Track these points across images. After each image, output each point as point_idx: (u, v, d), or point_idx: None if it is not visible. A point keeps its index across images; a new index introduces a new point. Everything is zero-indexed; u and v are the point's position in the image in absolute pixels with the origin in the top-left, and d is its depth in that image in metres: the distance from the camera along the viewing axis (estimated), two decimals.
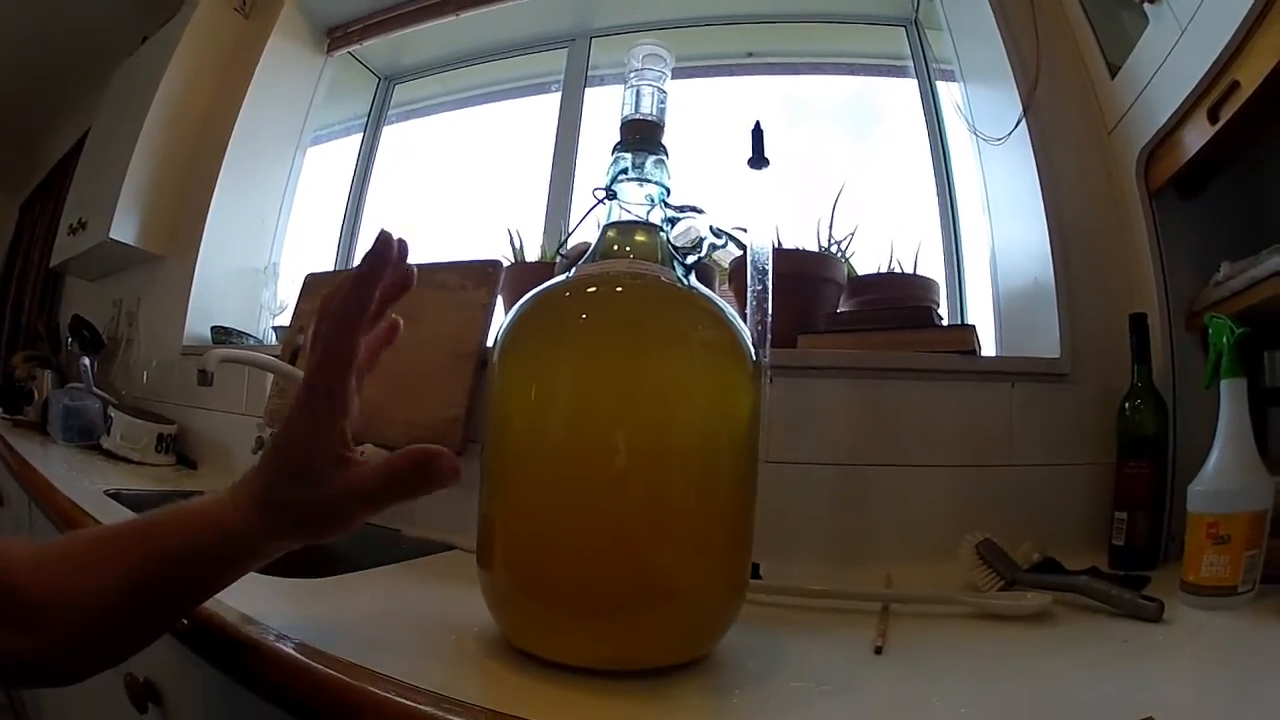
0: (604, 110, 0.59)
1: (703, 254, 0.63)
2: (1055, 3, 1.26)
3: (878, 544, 0.99)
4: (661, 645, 0.54)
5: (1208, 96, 0.93)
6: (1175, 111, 0.98)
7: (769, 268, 0.94)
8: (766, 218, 0.99)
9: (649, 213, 0.63)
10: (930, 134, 1.64)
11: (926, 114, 1.66)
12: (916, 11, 1.72)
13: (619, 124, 0.66)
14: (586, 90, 2.04)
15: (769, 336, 0.94)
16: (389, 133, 2.49)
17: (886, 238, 1.39)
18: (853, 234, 1.38)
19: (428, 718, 0.45)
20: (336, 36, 2.42)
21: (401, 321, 0.62)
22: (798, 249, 1.34)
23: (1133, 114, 1.10)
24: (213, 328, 2.05)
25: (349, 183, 2.43)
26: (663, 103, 0.66)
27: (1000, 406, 1.05)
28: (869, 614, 0.75)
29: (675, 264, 0.62)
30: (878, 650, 0.64)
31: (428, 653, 0.58)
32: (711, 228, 0.64)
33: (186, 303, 2.13)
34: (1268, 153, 1.00)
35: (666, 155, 0.65)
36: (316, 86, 2.46)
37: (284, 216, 2.41)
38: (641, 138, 0.64)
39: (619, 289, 0.58)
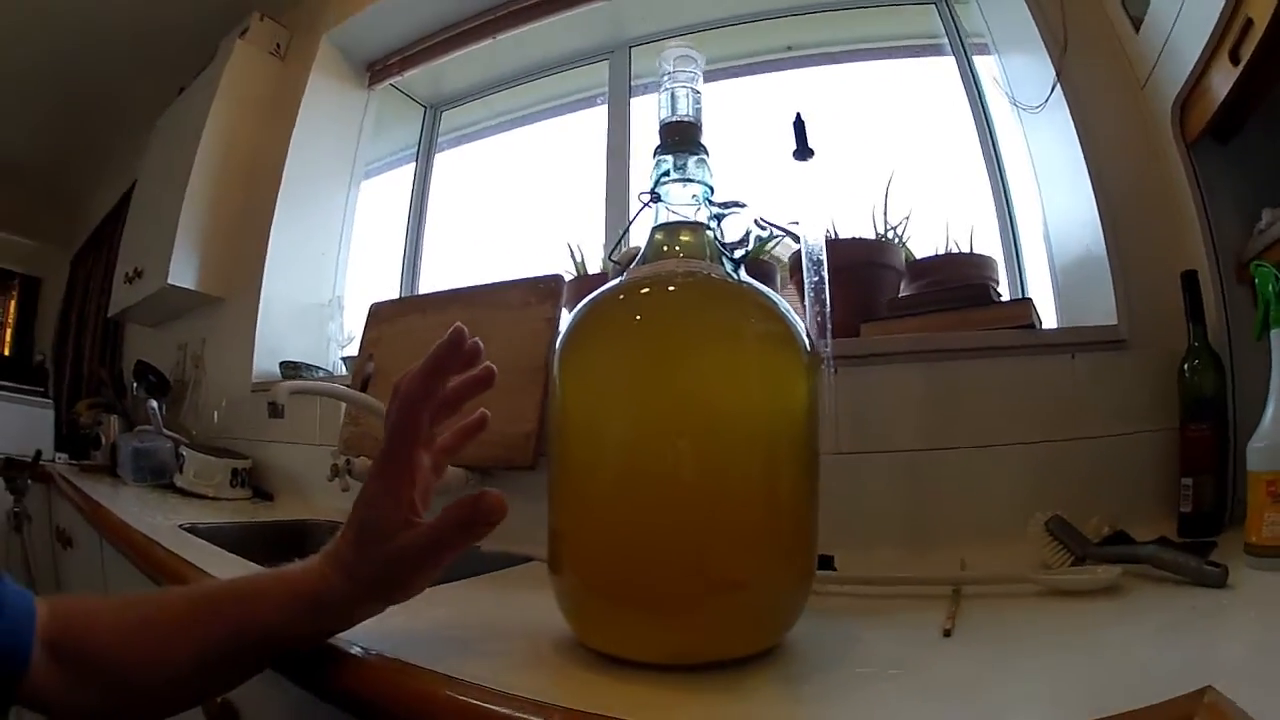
0: (651, 117, 0.64)
1: (749, 247, 0.67)
2: None
3: (951, 528, 1.02)
4: (730, 637, 0.56)
5: (1227, 38, 0.94)
6: (1199, 57, 1.00)
7: (823, 259, 0.99)
8: (818, 211, 1.04)
9: (695, 212, 0.67)
10: (973, 108, 1.66)
11: (967, 89, 1.68)
12: None
13: (657, 127, 0.70)
14: (632, 100, 2.11)
15: (829, 327, 0.99)
16: (442, 159, 2.59)
17: (941, 218, 1.43)
18: (907, 218, 1.42)
19: (504, 719, 0.49)
20: (377, 70, 2.54)
21: (489, 415, 0.70)
22: (854, 238, 1.39)
23: (1160, 66, 1.12)
24: (281, 363, 2.16)
25: (406, 211, 2.54)
26: (698, 103, 0.71)
27: (1063, 379, 1.08)
28: (941, 598, 0.77)
29: (724, 260, 0.66)
30: (946, 633, 0.66)
31: (504, 656, 0.63)
32: (756, 220, 0.68)
33: (253, 341, 2.25)
34: None
35: (707, 154, 0.69)
36: (363, 120, 2.58)
37: (344, 249, 2.54)
38: (681, 139, 0.68)
39: (671, 288, 0.62)
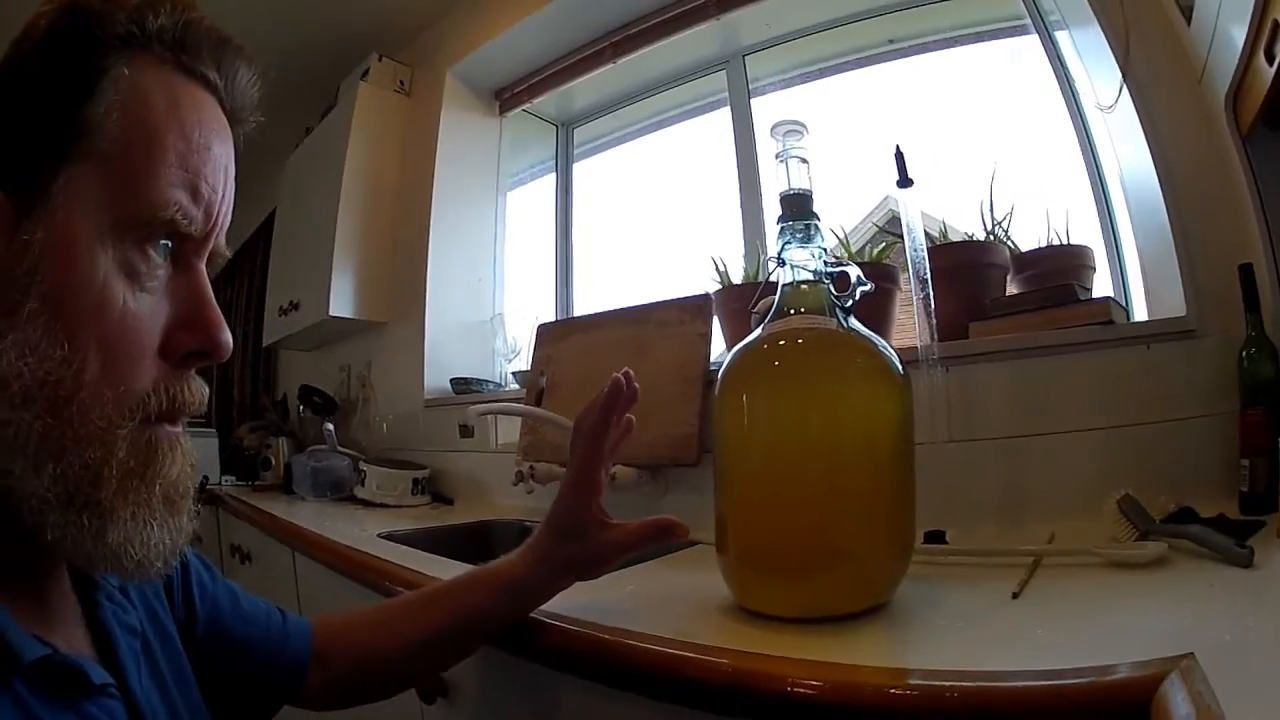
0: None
1: (855, 299, 0.93)
2: None
3: (1042, 506, 1.20)
4: (845, 597, 0.83)
5: (1260, 38, 1.02)
6: (1243, 50, 1.07)
7: (928, 276, 1.22)
8: (919, 229, 1.26)
9: (813, 269, 0.93)
10: (1062, 91, 1.77)
11: (1054, 68, 1.79)
12: None
13: (778, 198, 0.96)
14: (753, 101, 2.35)
15: (935, 335, 1.24)
16: (580, 169, 2.89)
17: (1042, 206, 1.58)
18: (1010, 213, 1.59)
19: (676, 658, 0.74)
20: (505, 98, 2.85)
21: (634, 421, 0.92)
22: (960, 242, 1.58)
23: (1212, 58, 1.21)
24: (452, 380, 2.50)
25: (553, 225, 2.84)
26: (808, 172, 0.95)
27: (1140, 368, 1.23)
28: (1024, 568, 0.96)
29: (837, 309, 0.92)
30: (1014, 596, 0.86)
31: (676, 616, 0.89)
32: (857, 277, 0.93)
33: (422, 359, 2.59)
34: None
35: (818, 220, 0.95)
36: (500, 144, 2.89)
37: (499, 267, 2.87)
38: (797, 210, 0.95)
39: (800, 340, 0.91)
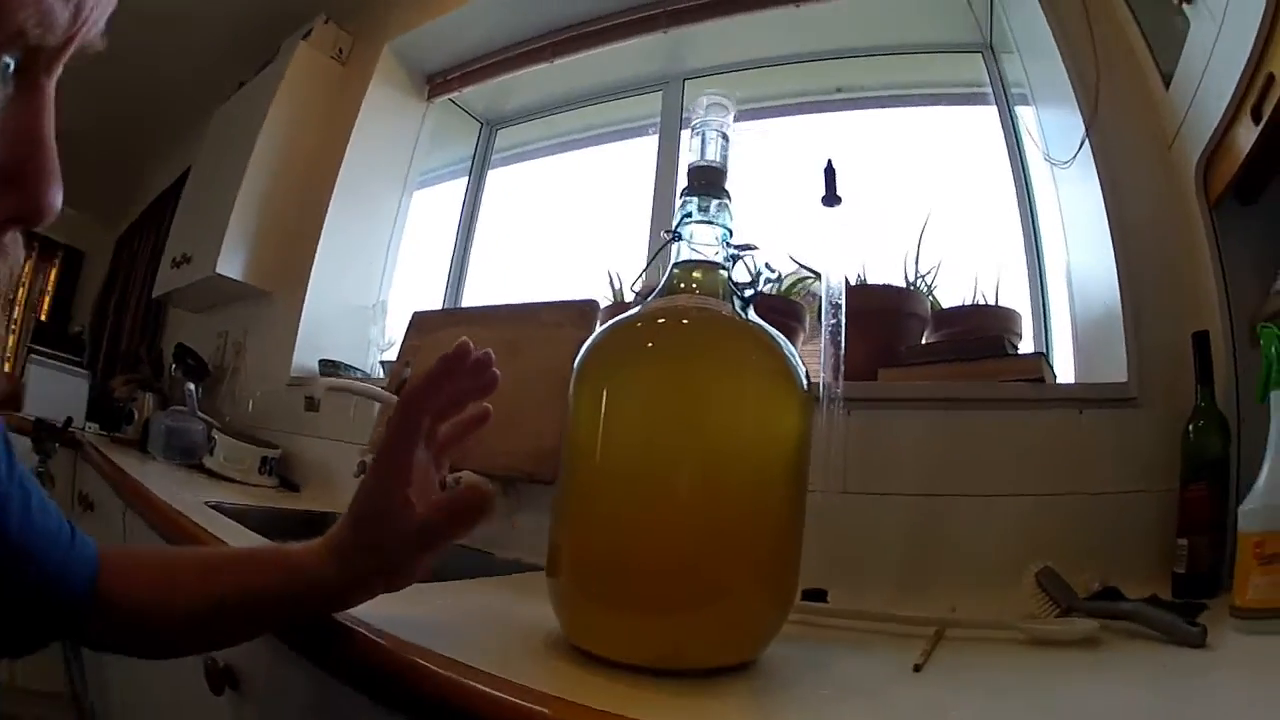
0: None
1: (759, 288, 0.75)
2: (1110, 15, 1.31)
3: (947, 573, 1.06)
4: (704, 646, 0.63)
5: (1250, 94, 0.97)
6: (1224, 114, 1.02)
7: (842, 303, 1.05)
8: (844, 254, 1.11)
9: (714, 253, 0.74)
10: (1011, 159, 1.70)
11: (1006, 138, 1.73)
12: (990, 35, 1.80)
13: (686, 170, 0.77)
14: (683, 132, 2.16)
15: (842, 369, 1.05)
16: (494, 176, 2.69)
17: (971, 267, 1.47)
18: (937, 267, 1.46)
19: (487, 697, 0.55)
20: (436, 84, 2.66)
21: (491, 409, 0.74)
22: (880, 285, 1.43)
23: (1188, 123, 1.15)
24: (321, 361, 2.26)
25: (456, 224, 2.64)
26: (726, 149, 0.77)
27: (1069, 434, 1.11)
28: (923, 638, 0.81)
29: (735, 299, 0.72)
30: (916, 668, 0.70)
31: (498, 648, 0.69)
32: (767, 264, 0.75)
33: (295, 336, 2.37)
34: None
35: (729, 199, 0.76)
36: (419, 131, 2.70)
37: (392, 255, 2.66)
38: (707, 183, 0.75)
39: (685, 321, 0.69)
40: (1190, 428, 1.04)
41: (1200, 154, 1.10)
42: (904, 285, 1.45)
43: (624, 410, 0.67)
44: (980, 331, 1.31)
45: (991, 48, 1.83)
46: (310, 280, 2.42)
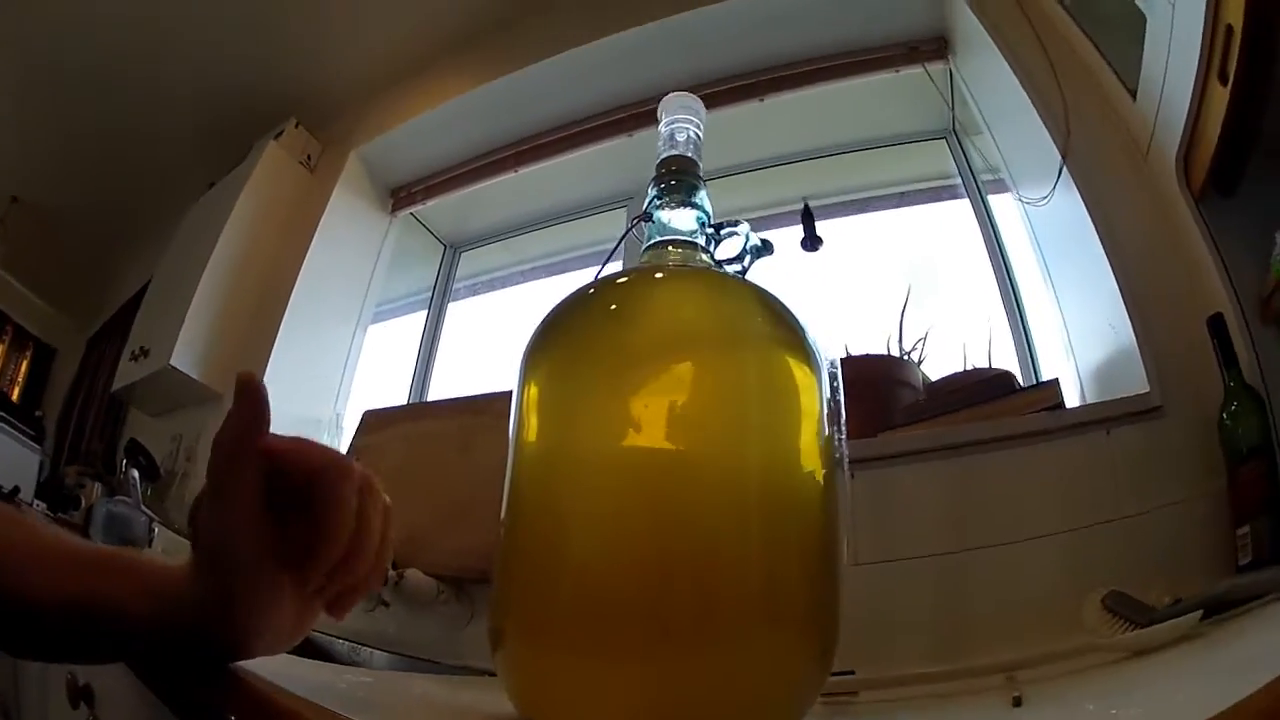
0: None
1: (746, 263, 0.58)
2: (1068, 47, 1.30)
3: (986, 632, 0.90)
4: (716, 708, 0.40)
5: (1214, 57, 0.92)
6: (1193, 90, 0.98)
7: (838, 369, 0.90)
8: (833, 328, 0.97)
9: (692, 233, 0.58)
10: (985, 236, 1.67)
11: (977, 214, 1.70)
12: (953, 120, 1.79)
13: (656, 163, 0.62)
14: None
15: (843, 427, 0.89)
16: (456, 308, 2.58)
17: (958, 339, 1.41)
18: (924, 338, 1.37)
19: None
20: (400, 196, 2.57)
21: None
22: (869, 354, 1.35)
23: (1159, 125, 1.10)
24: None
25: (417, 346, 2.51)
26: (698, 142, 0.63)
27: (1099, 457, 0.99)
28: (992, 690, 0.68)
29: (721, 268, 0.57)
30: (1016, 701, 0.57)
31: None
32: (761, 240, 0.59)
33: None
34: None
35: (703, 182, 0.61)
36: (382, 245, 2.60)
37: (349, 369, 2.50)
38: (678, 169, 0.61)
39: (658, 275, 0.52)
40: (1224, 415, 0.94)
41: (1177, 148, 1.06)
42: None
43: (579, 403, 0.48)
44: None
45: (955, 132, 1.82)
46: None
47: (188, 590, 0.47)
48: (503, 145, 2.32)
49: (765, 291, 0.52)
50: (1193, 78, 0.97)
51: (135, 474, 2.20)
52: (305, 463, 0.46)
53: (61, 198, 3.41)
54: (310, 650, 1.08)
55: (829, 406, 0.49)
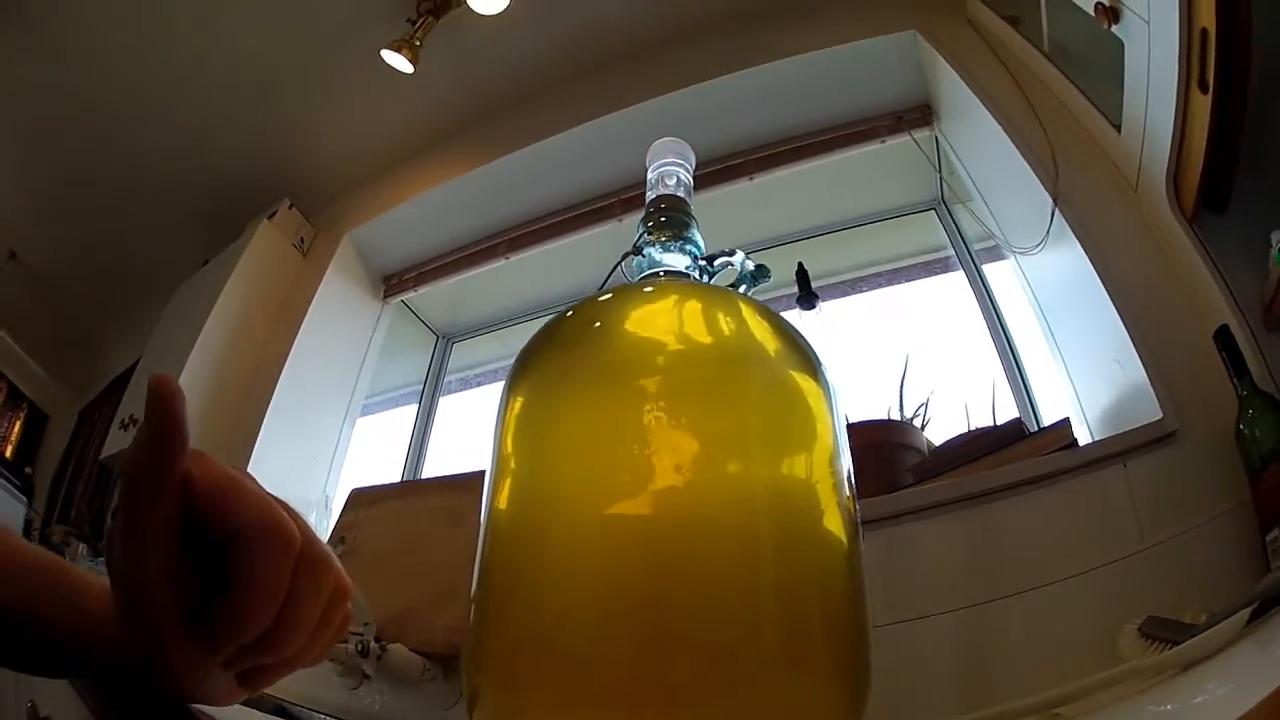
0: None
1: (743, 290, 0.55)
2: (1048, 92, 1.33)
3: (1024, 678, 0.84)
4: None
5: (1192, 64, 0.94)
6: (1176, 106, 0.99)
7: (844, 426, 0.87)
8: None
9: (685, 266, 0.54)
10: (980, 302, 1.68)
11: (973, 284, 1.71)
12: (942, 187, 1.83)
13: (646, 204, 0.60)
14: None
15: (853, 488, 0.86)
16: (448, 401, 2.57)
17: (959, 401, 1.39)
18: (926, 403, 1.36)
19: None
20: (392, 283, 2.57)
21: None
22: (872, 420, 1.32)
23: (1146, 153, 1.12)
24: None
25: (408, 437, 2.48)
26: (687, 186, 0.61)
27: (1118, 491, 0.97)
28: None
29: None
30: None
31: None
32: (758, 265, 0.56)
33: None
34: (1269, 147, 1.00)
35: (694, 221, 0.58)
36: (374, 331, 2.58)
37: (339, 454, 2.44)
38: (668, 207, 0.58)
39: (648, 289, 0.48)
40: (1240, 425, 0.93)
41: (1165, 171, 1.07)
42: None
43: (561, 433, 0.43)
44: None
45: (944, 201, 1.86)
46: (250, 465, 2.16)
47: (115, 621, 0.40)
48: (494, 232, 2.32)
49: (766, 307, 0.47)
50: (1174, 90, 0.99)
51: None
52: (229, 518, 0.37)
53: (59, 262, 3.39)
54: None
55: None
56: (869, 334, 1.93)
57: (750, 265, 0.56)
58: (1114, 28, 1.07)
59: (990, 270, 1.70)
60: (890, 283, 2.00)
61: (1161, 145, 1.06)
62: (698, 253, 0.56)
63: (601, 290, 0.49)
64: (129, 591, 0.37)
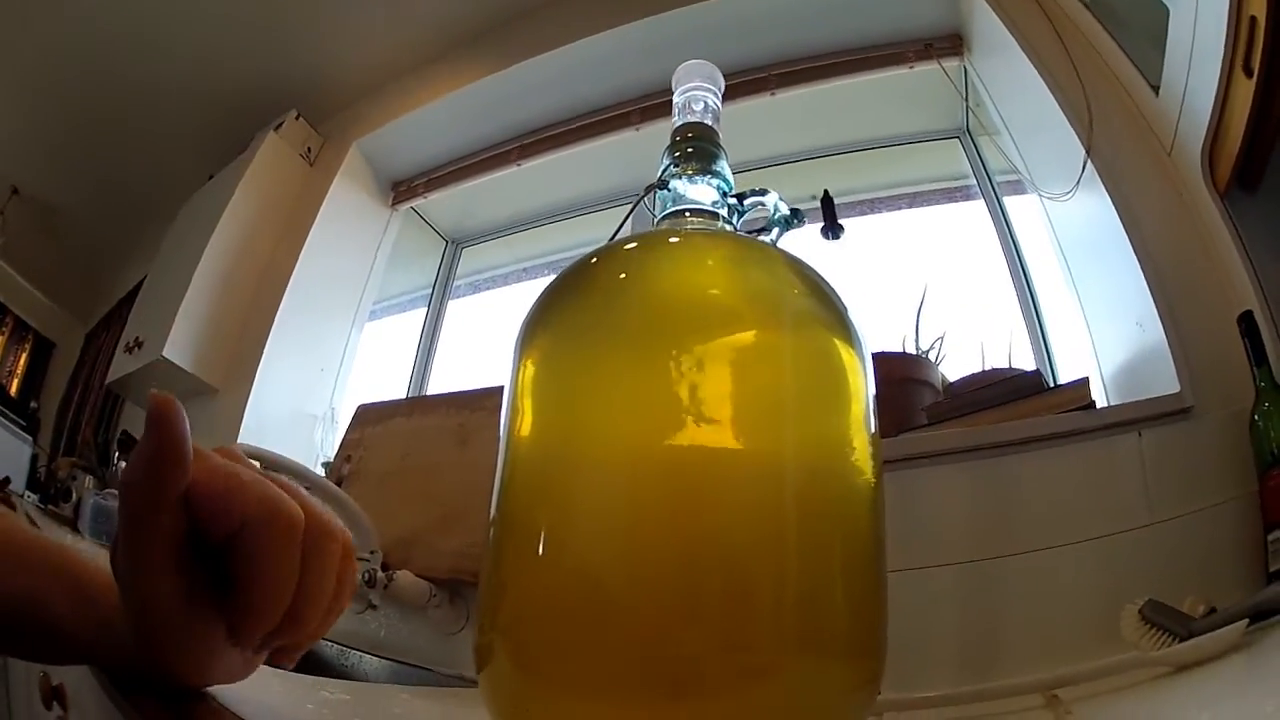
0: None
1: (774, 235, 0.51)
2: (1088, 44, 1.26)
3: (1018, 646, 0.84)
4: None
5: (1238, 49, 0.90)
6: (1218, 84, 0.94)
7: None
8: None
9: (713, 202, 0.50)
10: (1000, 237, 1.62)
11: (994, 218, 1.65)
12: (968, 118, 1.75)
13: (671, 133, 0.55)
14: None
15: None
16: (457, 305, 2.52)
17: (975, 340, 1.35)
18: (941, 338, 1.30)
19: None
20: (401, 190, 2.51)
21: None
22: (885, 352, 1.27)
23: (1183, 120, 1.07)
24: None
25: (416, 343, 2.44)
26: (716, 112, 0.56)
27: (1131, 460, 0.93)
28: (1030, 709, 0.65)
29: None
30: None
31: None
32: (791, 209, 0.52)
33: (236, 437, 2.12)
34: None
35: (724, 151, 0.54)
36: (382, 239, 2.52)
37: (346, 365, 2.42)
38: (695, 136, 0.53)
39: (672, 239, 0.45)
40: (1255, 416, 0.89)
41: (1202, 145, 1.01)
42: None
43: (582, 388, 0.40)
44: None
45: (969, 131, 1.79)
46: (256, 379, 2.17)
47: (122, 616, 0.40)
48: (506, 138, 2.24)
49: (801, 260, 0.44)
50: (1217, 70, 0.93)
51: (124, 465, 2.09)
52: (232, 516, 0.36)
53: (62, 191, 3.34)
54: None
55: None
56: (886, 258, 1.88)
57: (785, 209, 0.52)
58: None
59: (1011, 202, 1.65)
60: (909, 205, 1.95)
61: (1200, 116, 1.01)
62: (727, 188, 0.52)
63: (627, 238, 0.45)
64: (137, 605, 0.38)
